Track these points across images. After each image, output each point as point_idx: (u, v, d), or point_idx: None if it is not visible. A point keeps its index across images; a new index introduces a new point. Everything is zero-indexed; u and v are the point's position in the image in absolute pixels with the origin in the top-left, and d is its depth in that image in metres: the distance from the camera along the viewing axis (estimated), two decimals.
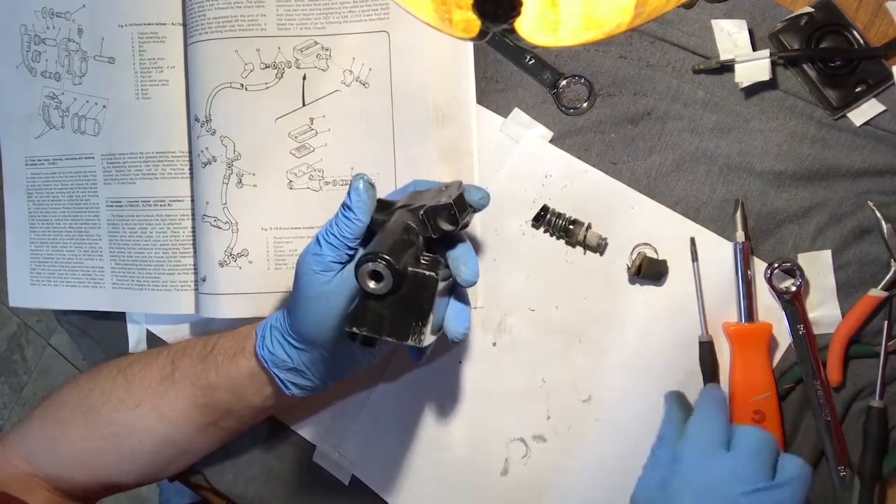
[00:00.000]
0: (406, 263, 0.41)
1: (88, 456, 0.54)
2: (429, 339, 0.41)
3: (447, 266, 0.46)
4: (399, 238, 0.42)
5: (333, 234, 0.47)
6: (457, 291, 0.49)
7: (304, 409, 0.63)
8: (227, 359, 0.52)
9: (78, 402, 0.55)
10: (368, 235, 0.48)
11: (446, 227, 0.45)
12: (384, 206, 0.48)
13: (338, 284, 0.47)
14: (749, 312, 0.56)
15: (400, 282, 0.40)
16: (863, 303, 0.55)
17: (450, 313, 0.47)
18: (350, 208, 0.47)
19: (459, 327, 0.47)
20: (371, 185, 0.47)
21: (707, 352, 0.57)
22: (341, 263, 0.48)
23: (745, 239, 0.56)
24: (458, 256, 0.47)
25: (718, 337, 0.57)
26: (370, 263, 0.40)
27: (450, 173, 0.58)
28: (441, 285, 0.43)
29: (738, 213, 0.56)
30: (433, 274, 0.41)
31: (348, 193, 0.47)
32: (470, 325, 0.48)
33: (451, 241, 0.48)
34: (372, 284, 0.40)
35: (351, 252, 0.48)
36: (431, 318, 0.41)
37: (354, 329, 0.41)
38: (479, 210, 0.50)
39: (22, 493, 0.52)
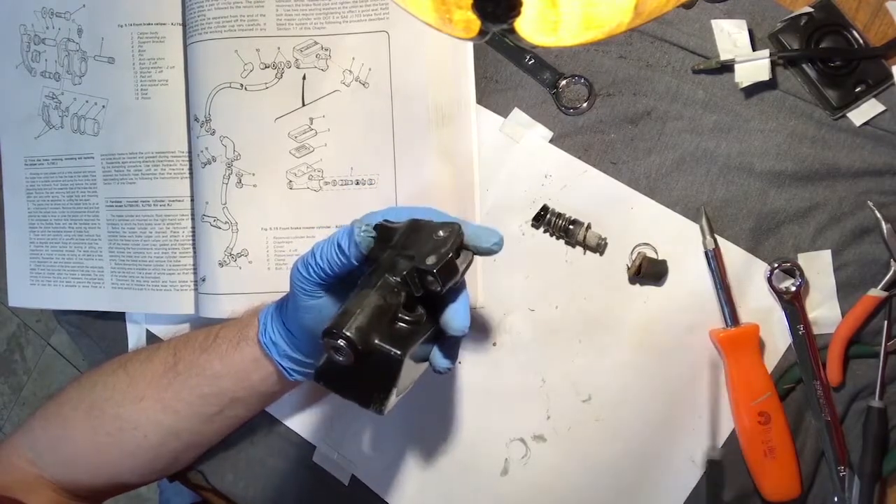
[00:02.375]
0: (374, 337, 0.40)
1: (93, 454, 0.54)
2: (392, 404, 0.41)
3: (435, 315, 0.44)
4: (374, 305, 0.40)
5: (321, 266, 0.45)
6: (443, 337, 0.46)
7: (304, 409, 0.63)
8: (231, 346, 0.52)
9: (80, 400, 0.55)
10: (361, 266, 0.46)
11: (433, 288, 0.41)
12: (384, 236, 0.44)
13: (327, 300, 0.47)
14: (733, 317, 0.56)
15: (363, 358, 0.39)
16: (863, 303, 0.55)
17: (436, 350, 0.46)
18: (342, 251, 0.44)
19: (443, 363, 0.46)
20: (371, 237, 0.44)
21: (717, 474, 0.53)
22: (330, 285, 0.47)
23: (715, 245, 0.56)
24: (448, 309, 0.44)
25: (709, 346, 0.57)
26: (332, 339, 0.39)
27: (450, 173, 0.58)
28: (423, 337, 0.42)
29: (704, 221, 0.56)
30: (398, 353, 0.40)
31: (346, 235, 0.44)
32: (456, 360, 0.47)
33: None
34: (335, 355, 0.39)
35: (339, 278, 0.46)
36: (395, 390, 0.40)
37: (320, 383, 0.41)
38: (490, 255, 0.45)
39: (26, 494, 0.52)
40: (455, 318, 0.43)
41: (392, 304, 0.41)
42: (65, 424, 0.54)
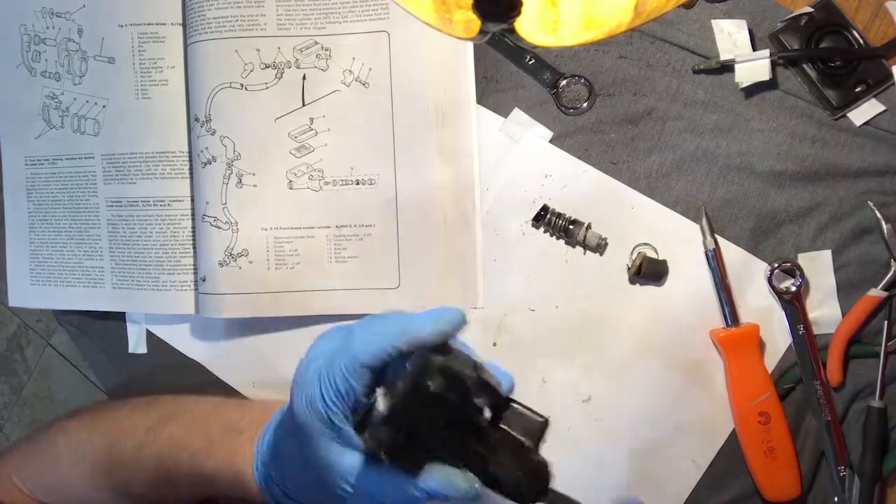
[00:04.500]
0: (523, 484, 0.41)
1: (85, 496, 0.55)
2: None
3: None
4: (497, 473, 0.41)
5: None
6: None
7: None
8: (227, 484, 0.50)
9: (69, 456, 0.55)
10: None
11: (484, 402, 0.41)
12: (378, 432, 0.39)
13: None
14: (733, 317, 0.56)
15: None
16: (863, 303, 0.55)
17: None
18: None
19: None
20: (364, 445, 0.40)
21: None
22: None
23: (715, 245, 0.56)
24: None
25: (709, 346, 0.57)
26: None
27: (450, 173, 0.58)
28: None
29: (704, 220, 0.56)
30: (544, 462, 0.41)
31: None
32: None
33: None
34: None
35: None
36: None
37: None
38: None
39: None
40: (504, 381, 0.43)
41: (476, 448, 0.41)
42: (56, 471, 0.55)
